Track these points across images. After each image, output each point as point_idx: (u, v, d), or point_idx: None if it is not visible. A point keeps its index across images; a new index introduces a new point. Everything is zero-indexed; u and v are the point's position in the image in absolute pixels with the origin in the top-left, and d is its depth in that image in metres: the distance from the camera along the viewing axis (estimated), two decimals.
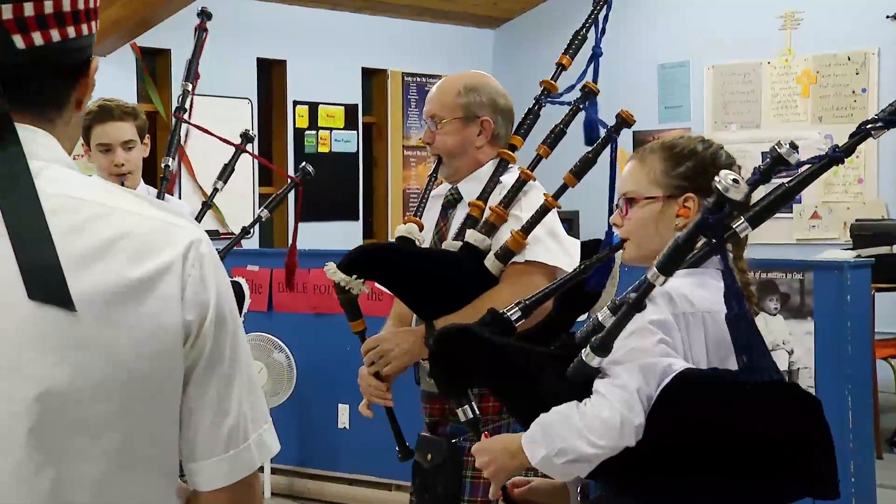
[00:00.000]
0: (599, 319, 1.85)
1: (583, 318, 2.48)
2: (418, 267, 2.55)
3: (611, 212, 2.36)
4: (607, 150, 2.44)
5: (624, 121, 2.39)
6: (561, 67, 2.68)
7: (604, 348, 1.76)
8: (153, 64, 7.62)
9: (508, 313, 2.04)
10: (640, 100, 8.38)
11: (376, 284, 2.65)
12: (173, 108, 3.23)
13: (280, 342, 5.17)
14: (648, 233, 2.03)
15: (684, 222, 1.98)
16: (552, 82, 2.68)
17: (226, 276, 1.17)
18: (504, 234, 2.53)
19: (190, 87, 3.16)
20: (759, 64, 8.29)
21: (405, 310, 2.70)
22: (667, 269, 1.70)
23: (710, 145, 2.06)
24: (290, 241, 3.18)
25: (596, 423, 1.77)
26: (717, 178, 1.63)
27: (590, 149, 2.47)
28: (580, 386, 1.82)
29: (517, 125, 2.71)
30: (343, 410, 5.26)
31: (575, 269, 2.15)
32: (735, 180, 1.62)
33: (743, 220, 1.79)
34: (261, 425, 1.17)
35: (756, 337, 1.71)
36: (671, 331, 1.86)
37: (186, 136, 6.70)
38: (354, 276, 2.51)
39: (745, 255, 2.01)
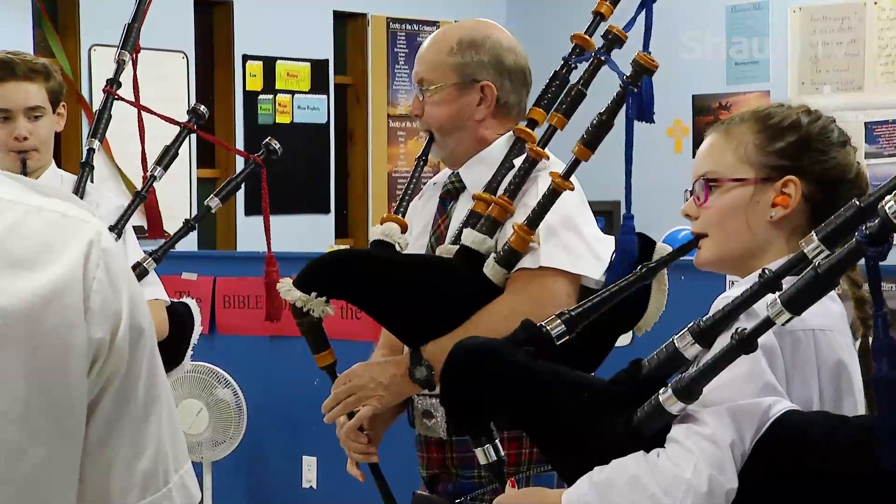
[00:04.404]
0: (677, 346, 1.82)
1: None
2: (396, 279, 2.58)
3: (629, 199, 2.33)
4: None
5: (643, 68, 2.39)
6: (599, 17, 2.68)
7: (690, 394, 1.76)
8: (54, 5, 7.65)
9: (548, 327, 2.00)
10: (702, 54, 8.37)
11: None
12: (92, 73, 3.28)
13: (226, 374, 5.17)
14: (735, 227, 2.05)
15: (783, 213, 2.02)
16: (586, 37, 2.68)
17: (133, 275, 1.20)
18: (509, 232, 2.53)
19: (127, 58, 3.20)
20: (861, 5, 8.28)
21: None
22: (796, 304, 1.66)
23: (817, 117, 2.09)
24: (265, 245, 3.07)
25: (677, 486, 1.76)
26: (883, 201, 1.57)
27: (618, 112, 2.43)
28: (652, 438, 1.81)
29: (539, 94, 2.72)
30: (309, 464, 5.26)
31: (636, 272, 2.09)
32: None
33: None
34: (182, 465, 1.23)
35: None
36: (774, 359, 1.87)
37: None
38: (315, 295, 2.54)
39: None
